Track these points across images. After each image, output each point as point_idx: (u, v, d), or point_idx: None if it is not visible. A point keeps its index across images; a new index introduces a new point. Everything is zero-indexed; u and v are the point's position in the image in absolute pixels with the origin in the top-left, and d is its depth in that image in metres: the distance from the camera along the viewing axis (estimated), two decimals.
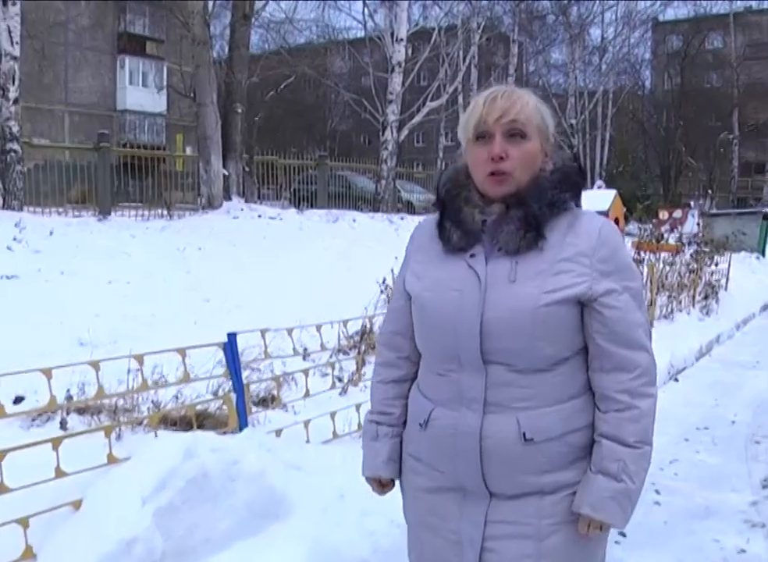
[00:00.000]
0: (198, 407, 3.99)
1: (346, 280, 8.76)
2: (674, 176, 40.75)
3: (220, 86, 14.94)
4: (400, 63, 17.90)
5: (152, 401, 4.30)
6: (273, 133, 34.33)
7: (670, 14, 44.60)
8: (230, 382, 4.23)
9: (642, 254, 10.76)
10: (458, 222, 1.86)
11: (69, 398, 4.33)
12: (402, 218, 15.61)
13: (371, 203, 17.98)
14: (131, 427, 4.08)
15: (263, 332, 3.90)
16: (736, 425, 6.22)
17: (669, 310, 10.35)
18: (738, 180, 45.23)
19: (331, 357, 5.18)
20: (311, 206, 16.60)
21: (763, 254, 19.92)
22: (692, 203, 31.53)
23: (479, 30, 22.65)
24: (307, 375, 4.34)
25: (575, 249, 1.79)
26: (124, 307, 7.08)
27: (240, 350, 3.97)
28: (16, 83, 11.10)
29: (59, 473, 2.95)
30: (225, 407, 4.08)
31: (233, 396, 3.72)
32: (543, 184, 1.83)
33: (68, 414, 4.48)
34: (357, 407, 4.38)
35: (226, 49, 21.53)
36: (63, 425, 4.39)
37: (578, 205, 1.89)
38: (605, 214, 13.57)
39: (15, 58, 11.10)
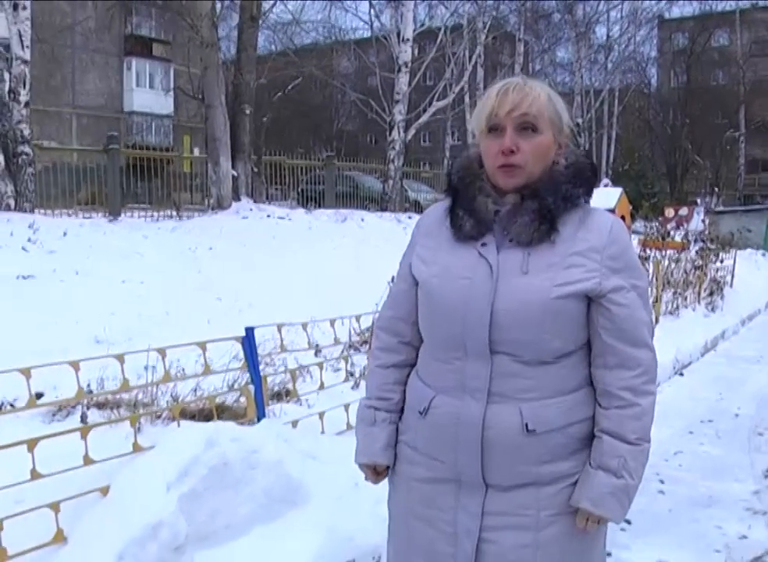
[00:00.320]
0: (216, 400, 4.12)
1: (355, 279, 8.86)
2: (681, 174, 40.80)
3: (228, 87, 15.05)
4: (406, 63, 17.98)
5: (171, 395, 4.43)
6: (280, 134, 34.46)
7: (675, 12, 44.51)
8: (246, 376, 4.38)
9: (648, 251, 10.84)
10: (471, 210, 1.86)
11: (90, 392, 4.46)
12: (410, 218, 15.71)
13: (379, 203, 18.07)
14: (150, 420, 4.21)
15: (279, 327, 4.03)
16: (739, 418, 6.33)
17: (674, 306, 10.45)
18: (745, 178, 45.18)
19: (342, 352, 5.31)
20: (319, 206, 16.71)
21: None
22: (699, 200, 31.51)
23: (485, 29, 22.70)
24: (322, 369, 4.47)
25: (587, 244, 1.80)
26: (138, 306, 7.20)
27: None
28: (27, 86, 11.22)
29: (87, 461, 3.09)
30: (242, 399, 4.21)
31: (252, 387, 3.85)
32: (558, 178, 1.84)
33: (88, 408, 4.61)
34: None
35: (233, 50, 21.72)
36: (84, 418, 4.48)
37: (587, 202, 1.89)
38: (611, 211, 13.62)
39: (26, 62, 11.22)
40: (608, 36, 36.36)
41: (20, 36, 11.11)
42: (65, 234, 9.32)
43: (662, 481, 4.72)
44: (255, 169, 16.13)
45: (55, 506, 2.93)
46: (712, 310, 11.45)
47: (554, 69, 36.14)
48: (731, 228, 17.10)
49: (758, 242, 19.96)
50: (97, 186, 13.87)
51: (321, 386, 4.39)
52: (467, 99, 28.44)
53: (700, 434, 5.85)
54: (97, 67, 33.54)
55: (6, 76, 11.05)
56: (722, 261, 12.85)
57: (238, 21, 16.72)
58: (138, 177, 14.69)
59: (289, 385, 4.76)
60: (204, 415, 4.14)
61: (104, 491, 3.09)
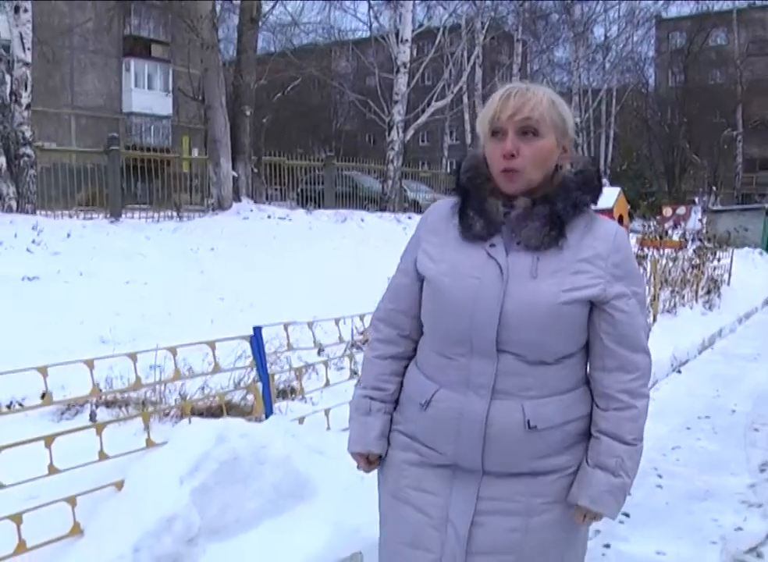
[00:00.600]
0: (224, 397, 4.21)
1: (355, 279, 8.93)
2: (678, 173, 40.91)
3: (228, 88, 15.12)
4: (405, 64, 18.03)
5: (179, 393, 4.52)
6: (279, 135, 34.53)
7: (673, 11, 44.85)
8: (251, 375, 4.47)
9: (646, 249, 10.94)
10: (482, 211, 1.89)
11: (99, 390, 4.55)
12: (410, 218, 15.79)
13: (378, 203, 18.13)
14: (159, 418, 4.29)
15: (286, 326, 4.12)
16: (736, 414, 6.44)
17: (672, 304, 10.54)
18: (743, 177, 45.21)
19: (345, 351, 5.40)
20: (318, 206, 16.80)
21: (766, 250, 20.06)
22: (696, 200, 31.65)
23: (483, 29, 22.79)
24: (327, 367, 4.57)
25: (593, 251, 1.85)
26: (142, 306, 7.27)
27: None
28: (29, 88, 11.23)
29: (102, 456, 3.17)
30: (248, 397, 4.31)
31: (260, 385, 3.94)
32: (569, 185, 1.88)
33: (97, 407, 4.69)
34: None
35: (231, 51, 21.79)
36: (93, 417, 4.56)
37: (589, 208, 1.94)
38: (609, 211, 13.76)
39: (27, 64, 11.24)
40: (606, 36, 36.57)
41: (21, 38, 11.14)
42: (68, 236, 9.39)
43: (660, 476, 4.82)
44: (255, 170, 16.20)
45: (71, 501, 3.02)
46: (710, 308, 11.56)
47: (552, 68, 36.32)
48: (728, 227, 17.25)
49: (755, 240, 20.07)
50: (98, 187, 13.93)
51: (327, 384, 4.48)
52: (465, 99, 28.57)
53: (697, 430, 5.95)
54: (96, 68, 33.60)
55: (8, 78, 11.09)
56: (719, 260, 12.97)
57: (238, 23, 16.78)
58: (138, 178, 14.74)
59: (294, 383, 4.86)
60: (211, 413, 4.23)
61: (119, 485, 3.18)
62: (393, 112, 18.05)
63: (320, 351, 5.37)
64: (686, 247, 12.60)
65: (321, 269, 9.77)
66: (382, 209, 17.26)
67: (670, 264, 11.16)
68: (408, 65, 18.24)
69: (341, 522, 3.38)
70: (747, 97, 43.84)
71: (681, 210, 23.13)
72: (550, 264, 1.83)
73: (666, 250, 11.45)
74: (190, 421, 3.59)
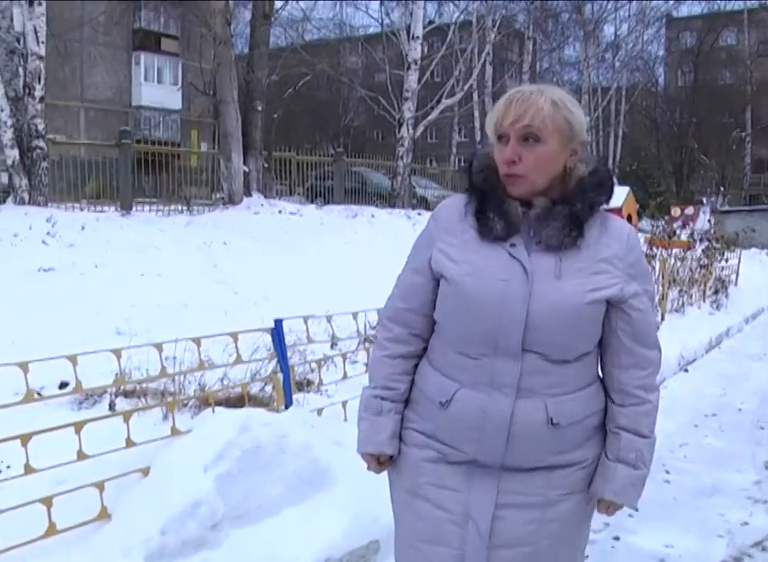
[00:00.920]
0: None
1: (366, 274, 8.99)
2: (687, 173, 40.90)
3: (240, 84, 15.18)
4: (415, 61, 18.05)
5: (198, 383, 4.61)
6: (288, 130, 34.62)
7: (683, 11, 44.78)
8: (269, 367, 4.56)
9: (654, 249, 11.01)
10: (501, 212, 1.89)
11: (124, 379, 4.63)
12: (419, 214, 15.85)
13: (386, 199, 18.19)
14: (178, 408, 4.39)
15: (305, 319, 4.21)
16: (742, 412, 6.53)
17: (680, 304, 10.62)
18: (751, 177, 45.10)
19: (359, 344, 5.49)
20: (327, 202, 16.87)
21: None
22: (705, 200, 31.65)
23: (494, 27, 22.81)
24: (345, 359, 4.66)
25: (611, 251, 1.88)
26: (157, 298, 7.35)
27: None
28: (42, 81, 11.26)
29: (129, 443, 3.27)
30: (267, 389, 4.40)
31: (280, 376, 4.04)
32: (585, 186, 1.91)
33: (116, 396, 4.78)
34: None
35: (242, 46, 21.87)
36: (112, 406, 4.64)
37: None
38: (618, 210, 13.82)
39: (41, 57, 11.26)
40: (616, 35, 36.54)
41: (36, 31, 11.17)
42: (82, 228, 9.50)
43: (667, 472, 4.91)
44: (266, 165, 16.27)
45: (99, 485, 3.12)
46: (717, 308, 11.64)
47: (562, 67, 36.42)
48: (736, 227, 17.29)
49: (762, 241, 20.13)
50: (108, 180, 13.98)
51: (345, 376, 4.57)
52: (475, 97, 28.60)
53: (704, 427, 6.05)
54: (106, 61, 33.62)
55: (21, 71, 11.16)
56: (727, 260, 13.04)
57: (250, 18, 16.85)
58: (149, 171, 14.79)
59: (309, 376, 4.95)
60: (230, 403, 4.32)
61: (145, 472, 3.28)
62: (404, 109, 18.06)
63: (333, 345, 5.46)
64: (694, 247, 12.66)
65: (333, 264, 9.86)
66: (391, 205, 17.32)
67: (679, 264, 11.22)
68: (419, 62, 18.26)
69: (359, 511, 3.47)
70: (756, 98, 43.76)
71: (690, 210, 23.19)
72: (572, 264, 1.86)
73: (675, 250, 11.52)
74: (213, 411, 3.68)
